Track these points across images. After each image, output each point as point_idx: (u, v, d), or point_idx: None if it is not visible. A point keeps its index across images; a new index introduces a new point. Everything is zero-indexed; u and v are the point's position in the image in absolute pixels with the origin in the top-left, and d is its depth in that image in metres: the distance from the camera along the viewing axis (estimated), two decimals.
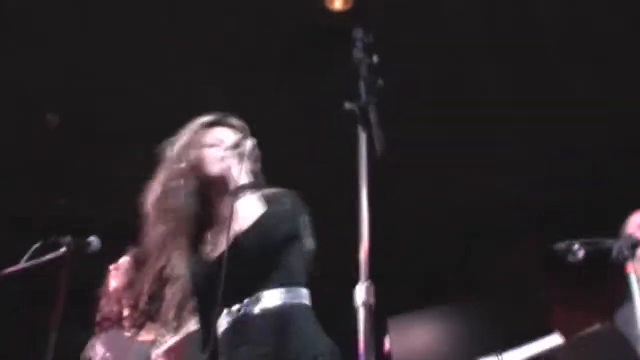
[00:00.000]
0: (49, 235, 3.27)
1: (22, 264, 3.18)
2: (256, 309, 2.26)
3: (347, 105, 1.94)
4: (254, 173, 2.53)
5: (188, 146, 2.51)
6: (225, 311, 2.31)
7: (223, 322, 2.32)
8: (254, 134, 2.59)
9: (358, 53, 1.98)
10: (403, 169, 4.68)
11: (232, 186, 2.41)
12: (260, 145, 2.56)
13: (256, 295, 2.28)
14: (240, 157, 2.43)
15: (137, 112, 5.01)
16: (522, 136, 5.22)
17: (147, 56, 4.67)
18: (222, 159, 2.46)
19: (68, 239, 3.29)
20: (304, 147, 4.95)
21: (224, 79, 4.67)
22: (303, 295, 2.34)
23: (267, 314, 2.25)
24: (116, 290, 3.76)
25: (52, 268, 3.20)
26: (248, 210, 2.35)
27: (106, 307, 3.77)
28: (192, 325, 2.69)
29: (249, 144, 2.48)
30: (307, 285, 2.38)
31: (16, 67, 4.75)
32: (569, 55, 4.68)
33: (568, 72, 4.74)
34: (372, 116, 1.89)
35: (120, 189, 5.61)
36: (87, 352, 3.72)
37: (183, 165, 2.48)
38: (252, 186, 2.43)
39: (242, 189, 2.39)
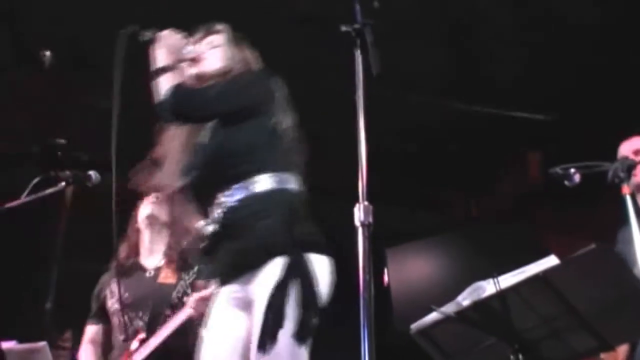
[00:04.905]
0: (49, 170, 3.29)
1: (23, 199, 3.20)
2: (235, 199, 2.31)
3: (344, 27, 1.94)
4: None
5: None
6: (217, 202, 2.35)
7: (215, 214, 2.36)
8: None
9: None
10: (400, 89, 4.68)
11: None
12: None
13: (237, 186, 2.31)
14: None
15: None
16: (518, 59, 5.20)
17: None
18: None
19: (67, 173, 3.32)
20: (302, 67, 4.86)
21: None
22: (290, 181, 2.33)
23: (246, 205, 2.28)
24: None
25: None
26: None
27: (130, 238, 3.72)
28: None
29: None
30: (291, 168, 2.36)
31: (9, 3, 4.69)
32: None
33: None
34: (368, 37, 1.89)
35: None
36: (100, 290, 3.67)
37: None
38: None
39: None
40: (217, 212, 2.35)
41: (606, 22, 4.80)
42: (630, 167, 2.74)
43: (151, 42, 2.50)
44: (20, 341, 3.07)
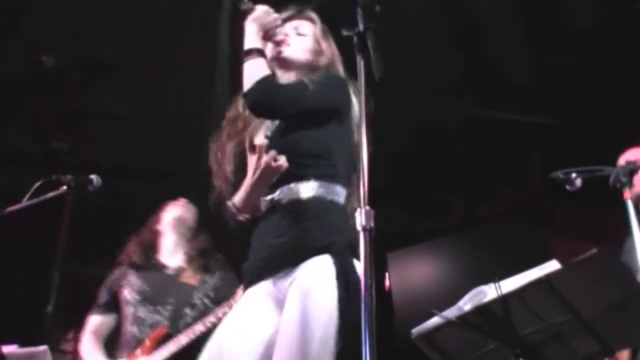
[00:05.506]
0: (51, 174, 3.30)
1: (25, 202, 3.21)
2: (285, 200, 2.28)
3: (345, 31, 1.94)
4: None
5: None
6: (265, 198, 2.33)
7: (263, 207, 2.34)
8: None
9: None
10: (403, 92, 4.68)
11: None
12: None
13: (289, 186, 2.28)
14: None
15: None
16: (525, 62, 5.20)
17: None
18: None
19: (69, 177, 3.33)
20: None
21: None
22: (339, 193, 2.30)
23: (293, 205, 2.26)
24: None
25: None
26: None
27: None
28: None
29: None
30: (347, 182, 2.33)
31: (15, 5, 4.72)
32: None
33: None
34: (371, 42, 1.89)
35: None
36: (115, 281, 3.71)
37: None
38: None
39: None
40: (264, 207, 2.33)
41: (609, 25, 4.81)
42: (632, 172, 2.74)
43: (248, 12, 2.42)
44: (22, 345, 3.07)
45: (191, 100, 5.11)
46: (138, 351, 3.45)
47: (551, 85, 5.35)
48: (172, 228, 3.76)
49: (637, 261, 2.66)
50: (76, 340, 4.89)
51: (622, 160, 3.28)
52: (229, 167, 2.44)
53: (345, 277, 2.11)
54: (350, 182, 2.34)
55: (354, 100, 2.38)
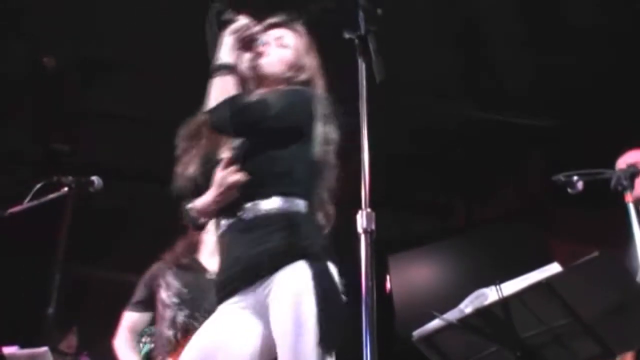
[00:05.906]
0: (51, 174, 3.30)
1: (26, 204, 3.21)
2: (250, 216, 2.25)
3: (347, 34, 1.94)
4: None
5: None
6: (229, 214, 2.31)
7: (223, 225, 2.34)
8: None
9: None
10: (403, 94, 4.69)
11: None
12: None
13: (252, 203, 2.26)
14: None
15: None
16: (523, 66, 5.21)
17: None
18: None
19: (70, 178, 3.32)
20: None
21: None
22: (300, 205, 2.27)
23: (259, 220, 2.24)
24: None
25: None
26: None
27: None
28: None
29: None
30: (308, 195, 2.32)
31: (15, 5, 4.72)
32: None
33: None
34: (372, 45, 1.89)
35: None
36: (154, 278, 3.59)
37: None
38: None
39: None
40: (228, 223, 2.32)
41: (609, 25, 4.81)
42: (633, 175, 2.74)
43: (228, 23, 2.38)
44: (22, 346, 3.07)
45: (191, 100, 5.11)
46: (170, 358, 3.39)
47: (551, 86, 5.35)
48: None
49: (638, 261, 2.67)
50: (77, 340, 4.90)
51: (621, 162, 3.28)
52: (193, 169, 2.43)
53: (321, 281, 2.11)
54: (311, 196, 2.33)
55: (319, 113, 2.34)
